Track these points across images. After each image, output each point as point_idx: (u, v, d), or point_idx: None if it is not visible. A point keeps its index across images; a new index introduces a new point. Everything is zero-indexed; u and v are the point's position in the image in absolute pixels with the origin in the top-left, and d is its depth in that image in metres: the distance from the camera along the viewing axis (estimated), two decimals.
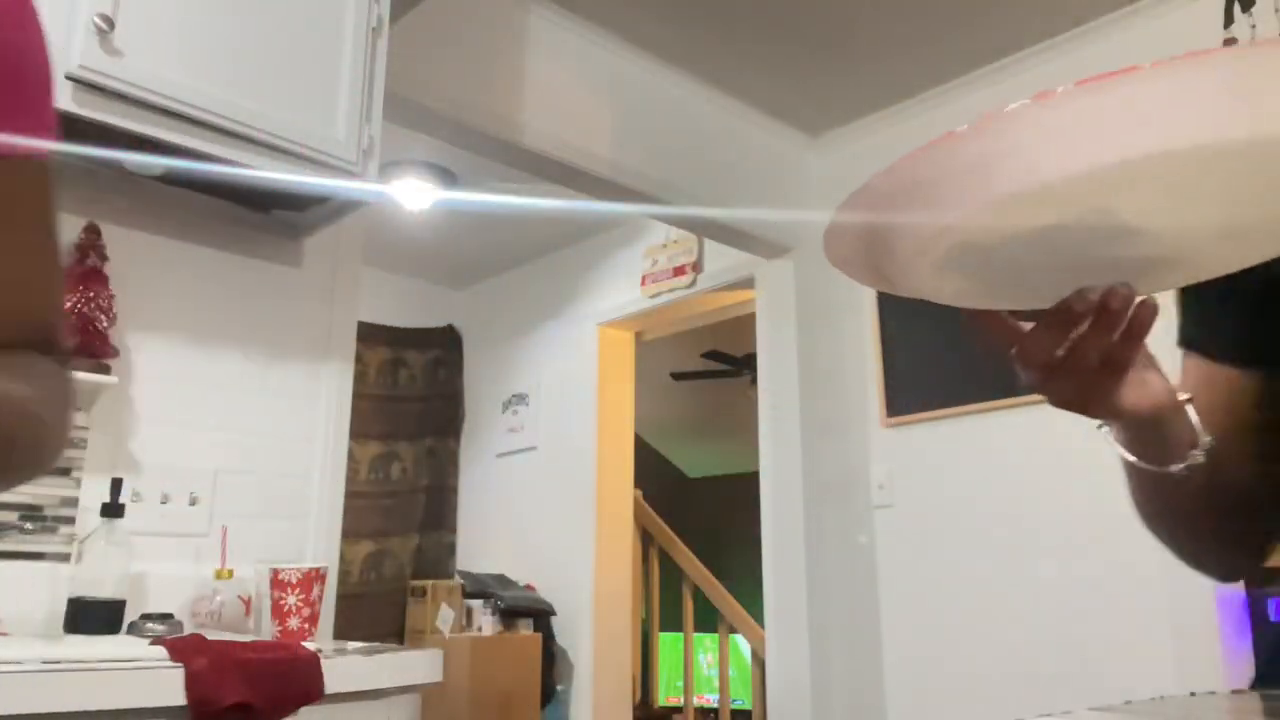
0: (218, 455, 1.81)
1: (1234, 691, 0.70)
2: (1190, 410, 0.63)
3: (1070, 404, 0.59)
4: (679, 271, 3.67)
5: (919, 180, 0.47)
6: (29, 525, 1.55)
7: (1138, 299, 0.54)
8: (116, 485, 1.57)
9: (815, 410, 3.05)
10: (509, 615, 3.82)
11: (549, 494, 4.11)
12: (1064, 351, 0.55)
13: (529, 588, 4.01)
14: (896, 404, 2.92)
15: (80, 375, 1.56)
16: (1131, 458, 0.64)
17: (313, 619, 1.60)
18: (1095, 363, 0.55)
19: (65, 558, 1.58)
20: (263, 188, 1.67)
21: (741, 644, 5.20)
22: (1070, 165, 0.43)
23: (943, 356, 2.82)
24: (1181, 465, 0.63)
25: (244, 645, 1.30)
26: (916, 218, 0.49)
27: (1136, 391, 0.59)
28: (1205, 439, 0.63)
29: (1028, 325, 0.57)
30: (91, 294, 1.60)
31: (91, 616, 1.48)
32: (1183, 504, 0.69)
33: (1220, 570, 0.81)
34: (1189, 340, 0.79)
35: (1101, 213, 0.47)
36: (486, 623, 3.75)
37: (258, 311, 1.91)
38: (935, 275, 0.54)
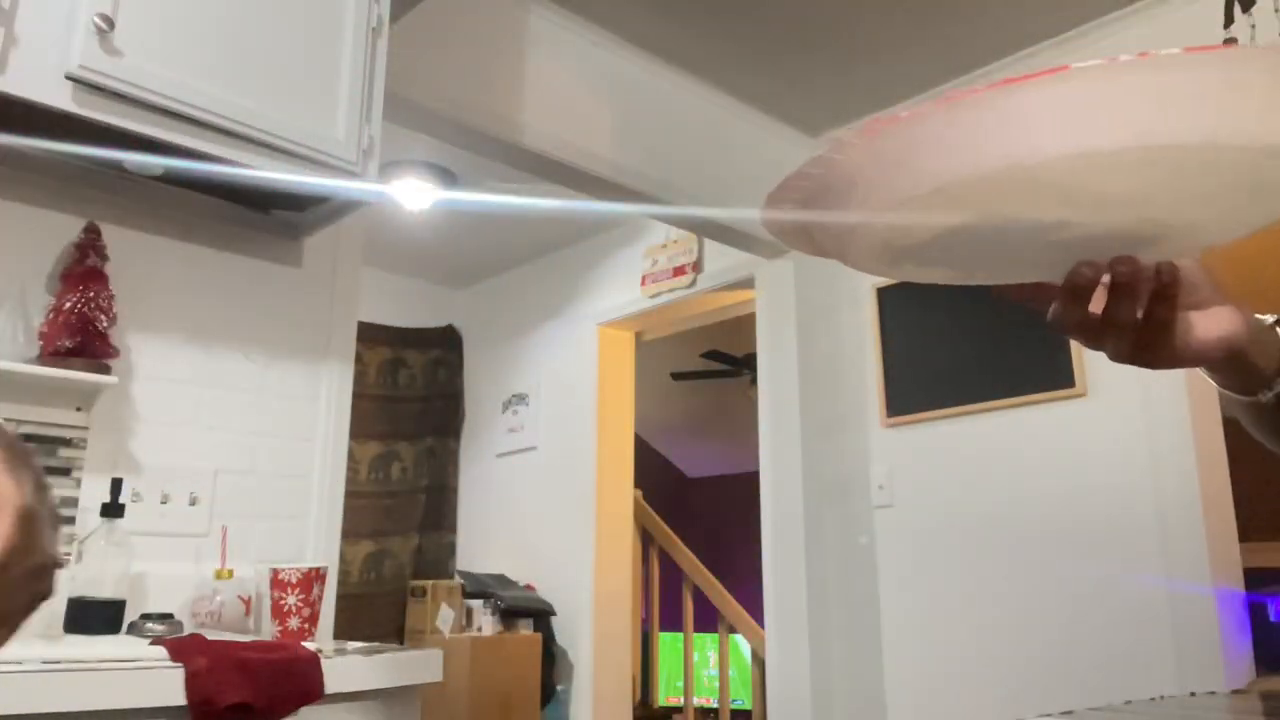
0: (218, 455, 1.81)
1: (1234, 691, 0.70)
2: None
3: (1128, 360, 0.56)
4: (679, 271, 3.67)
5: (846, 180, 0.46)
6: None
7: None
8: (116, 485, 1.57)
9: (815, 410, 3.05)
10: (509, 615, 3.82)
11: (549, 494, 4.11)
12: (1097, 320, 0.53)
13: (529, 588, 4.01)
14: (896, 404, 2.92)
15: (80, 375, 1.56)
16: (1223, 390, 0.61)
17: (313, 619, 1.60)
18: (1134, 323, 0.53)
19: (65, 558, 1.58)
20: (262, 188, 1.67)
21: (741, 644, 5.20)
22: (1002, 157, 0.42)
23: (943, 356, 2.82)
24: (1271, 393, 0.59)
25: (244, 645, 1.30)
26: (839, 217, 0.48)
27: (1199, 335, 0.55)
28: None
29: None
30: (91, 294, 1.60)
31: (91, 616, 1.48)
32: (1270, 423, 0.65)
33: None
34: None
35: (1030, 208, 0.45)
36: (486, 623, 3.75)
37: (258, 311, 1.91)
38: (879, 261, 0.53)
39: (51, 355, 1.55)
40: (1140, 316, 0.53)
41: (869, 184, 0.45)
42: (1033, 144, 0.41)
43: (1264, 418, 0.64)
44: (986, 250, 0.51)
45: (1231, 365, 0.58)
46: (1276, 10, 2.10)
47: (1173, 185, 0.44)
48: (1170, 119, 0.39)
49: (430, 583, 3.82)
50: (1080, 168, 0.42)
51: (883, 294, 2.99)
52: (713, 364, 5.80)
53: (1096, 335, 0.54)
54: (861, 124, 0.42)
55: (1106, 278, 0.51)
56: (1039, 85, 0.39)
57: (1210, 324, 0.55)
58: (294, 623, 1.58)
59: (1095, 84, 0.40)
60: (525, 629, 3.83)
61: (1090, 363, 2.49)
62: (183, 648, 1.24)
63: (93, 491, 1.62)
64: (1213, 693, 0.76)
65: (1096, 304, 0.53)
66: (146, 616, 1.54)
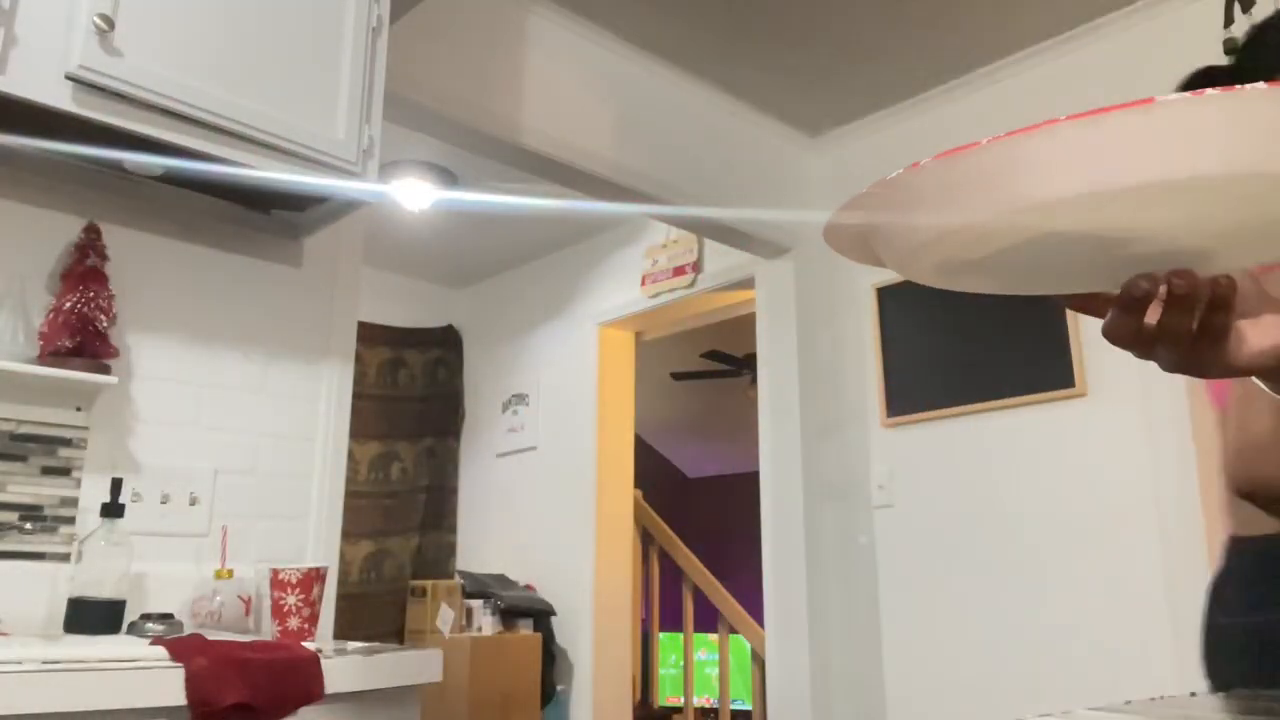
0: (218, 455, 1.81)
1: (1233, 691, 0.70)
2: None
3: (1180, 370, 0.57)
4: (679, 271, 3.67)
5: (929, 188, 0.47)
6: (29, 525, 1.55)
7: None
8: (116, 485, 1.57)
9: (815, 410, 3.05)
10: (509, 615, 3.82)
11: (549, 494, 4.11)
12: (1151, 331, 0.53)
13: (529, 588, 4.01)
14: (896, 404, 2.92)
15: (80, 375, 1.56)
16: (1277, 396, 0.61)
17: (313, 619, 1.60)
18: (1189, 334, 0.53)
19: (65, 558, 1.58)
20: (263, 188, 1.67)
21: (741, 644, 5.20)
22: (1085, 184, 0.43)
23: (943, 356, 2.82)
24: None
25: (244, 645, 1.30)
26: (916, 221, 0.49)
27: (1251, 345, 0.56)
28: None
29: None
30: (91, 294, 1.60)
31: (91, 616, 1.48)
32: None
33: None
34: None
35: (1109, 228, 0.47)
36: (486, 623, 3.75)
37: (258, 311, 1.91)
38: (938, 274, 0.54)
39: (51, 355, 1.55)
40: (1195, 328, 0.53)
41: (939, 205, 0.47)
42: (1107, 175, 0.42)
43: None
44: (1046, 264, 0.51)
45: None
46: (1277, 11, 2.10)
47: (1230, 212, 0.45)
48: (1236, 151, 0.41)
49: (430, 583, 3.82)
50: (1148, 198, 0.43)
51: (883, 294, 2.99)
52: (713, 364, 5.80)
53: (1150, 345, 0.54)
54: (937, 152, 0.43)
55: (1162, 289, 0.52)
56: (1124, 115, 0.41)
57: (1261, 333, 0.55)
58: (294, 623, 1.58)
59: (1175, 114, 0.41)
60: (525, 629, 3.83)
61: (1090, 363, 2.50)
62: (182, 648, 1.23)
63: (93, 491, 1.62)
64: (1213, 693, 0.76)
65: (1151, 314, 0.53)
66: (146, 616, 1.54)
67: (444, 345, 4.72)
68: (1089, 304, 0.56)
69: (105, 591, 1.50)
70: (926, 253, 0.50)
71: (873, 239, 0.52)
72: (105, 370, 1.60)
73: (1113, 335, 0.54)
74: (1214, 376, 0.57)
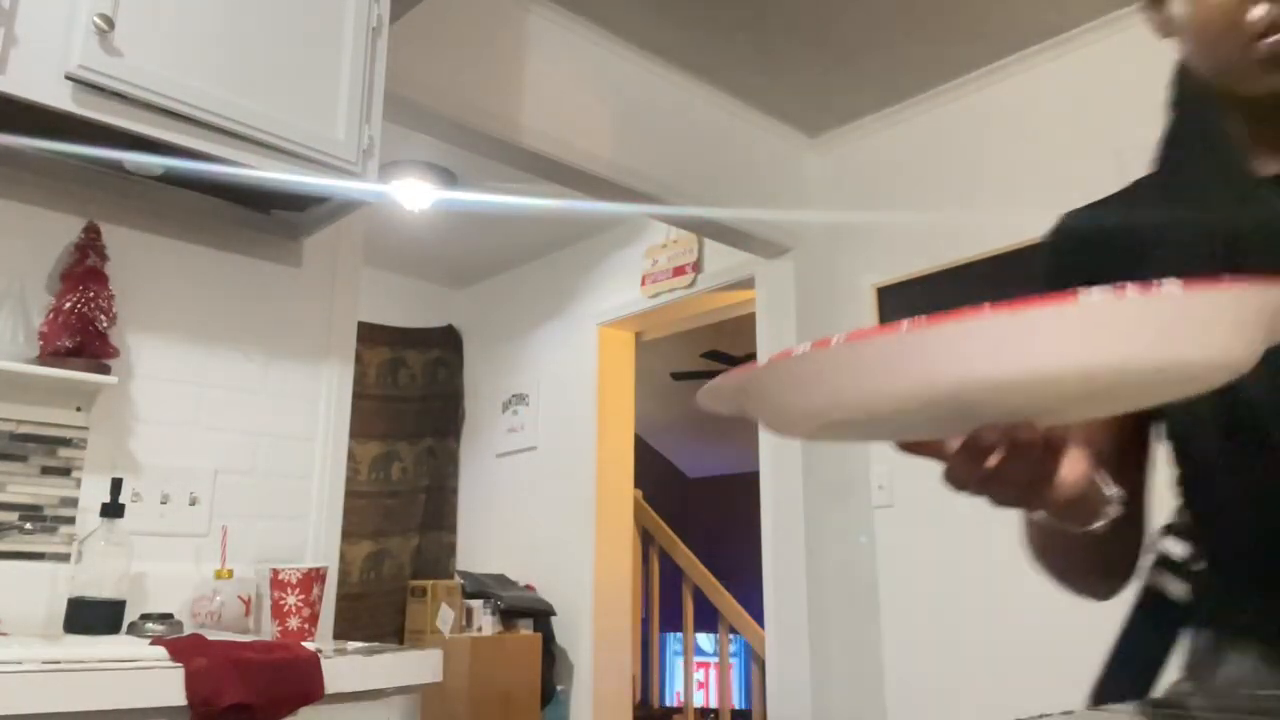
0: (218, 455, 1.81)
1: (1233, 691, 0.70)
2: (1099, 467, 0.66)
3: (1011, 506, 0.61)
4: (679, 271, 3.67)
5: (799, 376, 0.49)
6: (29, 525, 1.55)
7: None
8: (116, 485, 1.57)
9: None
10: (509, 615, 3.82)
11: (549, 494, 4.11)
12: (988, 474, 0.57)
13: (529, 588, 4.01)
14: None
15: (80, 375, 1.56)
16: (1058, 524, 0.66)
17: (313, 619, 1.60)
18: (1023, 479, 0.57)
19: (65, 558, 1.58)
20: (263, 188, 1.67)
21: (741, 644, 5.20)
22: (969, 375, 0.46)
23: None
24: (1102, 522, 0.65)
25: (244, 645, 1.30)
26: (786, 402, 0.51)
27: (1067, 482, 0.60)
28: (1116, 492, 0.66)
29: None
30: (91, 294, 1.60)
31: (91, 616, 1.48)
32: (1080, 548, 0.71)
33: (1102, 595, 0.84)
34: None
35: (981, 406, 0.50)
36: (486, 623, 3.75)
37: (258, 311, 1.91)
38: (800, 434, 0.56)
39: (51, 355, 1.55)
40: (1029, 472, 0.57)
41: (802, 393, 0.50)
42: (994, 369, 0.45)
43: (1093, 551, 0.71)
44: (904, 425, 0.55)
45: (1079, 500, 0.63)
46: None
47: (1093, 393, 0.49)
48: (1096, 350, 0.45)
49: (430, 583, 3.82)
50: (1028, 387, 0.47)
51: (883, 294, 2.99)
52: (713, 364, 5.81)
53: (985, 486, 0.58)
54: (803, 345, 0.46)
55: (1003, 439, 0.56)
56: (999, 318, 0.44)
57: (1073, 467, 0.60)
58: (294, 623, 1.58)
59: (1046, 316, 0.44)
60: (525, 629, 3.83)
61: None
62: (182, 648, 1.23)
63: (93, 491, 1.62)
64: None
65: (990, 460, 0.57)
66: (146, 616, 1.54)
67: (444, 345, 4.72)
68: (919, 448, 0.59)
69: (105, 591, 1.50)
70: (806, 420, 0.53)
71: (748, 404, 0.54)
72: (105, 370, 1.60)
73: (955, 479, 0.58)
74: (1037, 509, 0.62)
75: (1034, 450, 0.55)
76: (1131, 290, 0.42)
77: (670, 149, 2.83)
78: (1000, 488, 0.58)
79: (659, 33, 2.70)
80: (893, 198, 3.05)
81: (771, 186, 3.15)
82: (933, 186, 2.94)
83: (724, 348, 5.63)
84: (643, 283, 3.84)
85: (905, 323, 0.44)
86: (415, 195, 3.52)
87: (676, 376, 6.04)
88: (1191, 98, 0.78)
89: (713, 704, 5.10)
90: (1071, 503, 0.61)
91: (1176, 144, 0.79)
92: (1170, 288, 0.42)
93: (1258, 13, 0.66)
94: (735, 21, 2.63)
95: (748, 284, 3.36)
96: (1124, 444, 0.78)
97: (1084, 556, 0.77)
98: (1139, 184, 0.83)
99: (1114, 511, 0.65)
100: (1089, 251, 0.82)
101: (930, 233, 2.89)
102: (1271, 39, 0.66)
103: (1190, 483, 0.77)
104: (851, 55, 2.78)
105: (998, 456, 0.55)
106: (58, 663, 1.12)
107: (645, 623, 4.84)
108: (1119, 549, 0.77)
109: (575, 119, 2.57)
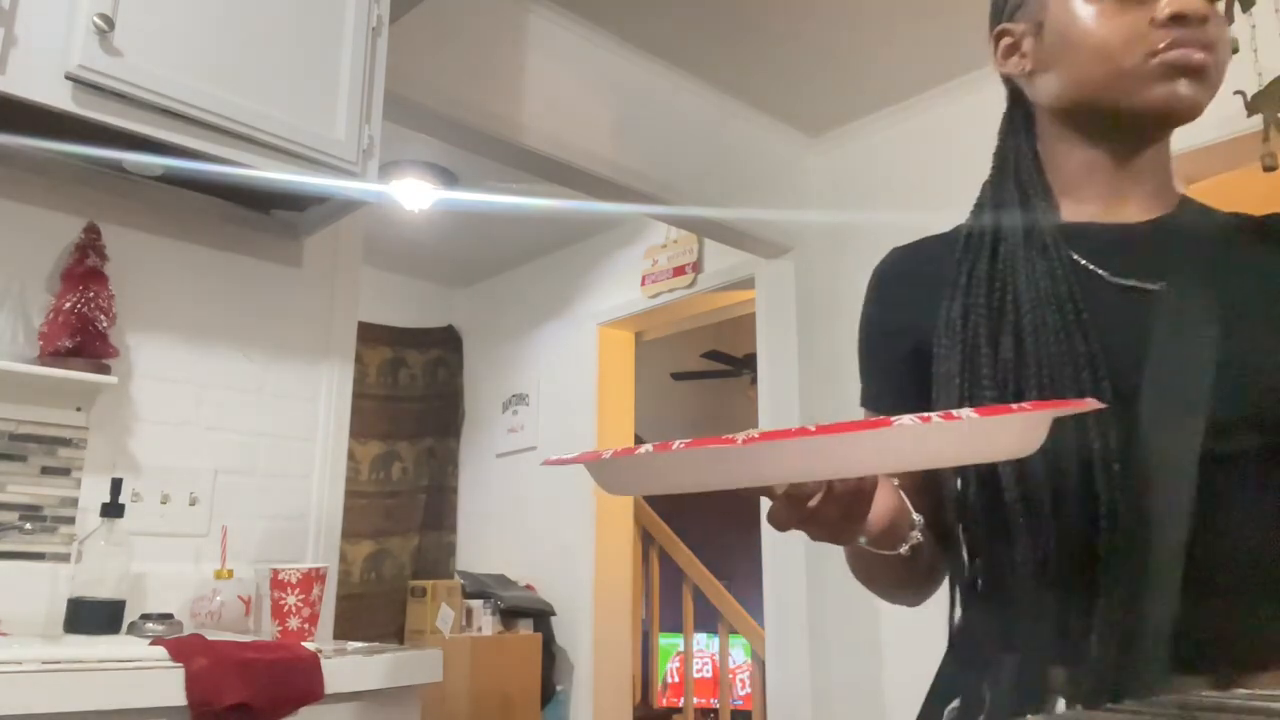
0: (218, 455, 1.81)
1: (1233, 691, 0.70)
2: (903, 496, 0.74)
3: (824, 541, 0.68)
4: (679, 271, 3.67)
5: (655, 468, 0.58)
6: (29, 525, 1.55)
7: None
8: (116, 485, 1.57)
9: (815, 410, 3.05)
10: (509, 615, 3.82)
11: (549, 494, 4.11)
12: (807, 515, 0.64)
13: (529, 588, 4.01)
14: None
15: (80, 375, 1.56)
16: (872, 549, 0.73)
17: (313, 619, 1.60)
18: (836, 518, 0.64)
19: (65, 558, 1.58)
20: (262, 188, 1.67)
21: (741, 644, 5.20)
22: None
23: None
24: (907, 546, 0.73)
25: (244, 645, 1.30)
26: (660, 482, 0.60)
27: (875, 517, 0.68)
28: (918, 518, 0.74)
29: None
30: (91, 294, 1.60)
31: (91, 616, 1.48)
32: (890, 566, 0.81)
33: (913, 604, 1.00)
34: (872, 403, 0.93)
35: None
36: (486, 623, 3.75)
37: (258, 311, 1.91)
38: (637, 494, 0.65)
39: (51, 355, 1.55)
40: (842, 513, 0.64)
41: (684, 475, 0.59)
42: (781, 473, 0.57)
43: (901, 568, 0.81)
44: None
45: (887, 528, 0.71)
46: (1277, 10, 2.10)
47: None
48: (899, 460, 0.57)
49: (430, 583, 3.82)
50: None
51: None
52: (713, 364, 5.81)
53: (804, 525, 0.65)
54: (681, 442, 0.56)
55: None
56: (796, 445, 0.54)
57: (881, 501, 0.68)
58: (294, 623, 1.58)
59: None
60: (525, 629, 3.83)
61: None
62: (182, 648, 1.23)
63: (93, 491, 1.61)
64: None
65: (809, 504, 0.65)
66: (146, 616, 1.54)
67: (444, 345, 4.72)
68: (757, 493, 0.66)
69: (105, 591, 1.50)
70: (638, 491, 0.63)
71: (591, 471, 0.62)
72: (105, 370, 1.60)
73: (777, 521, 0.65)
74: (849, 542, 0.69)
75: (848, 496, 0.63)
76: (936, 417, 0.52)
77: (670, 149, 2.83)
78: (817, 527, 0.65)
79: (659, 33, 2.69)
80: (893, 198, 3.04)
81: (771, 186, 3.15)
82: (933, 186, 2.94)
83: (724, 347, 5.63)
84: (643, 283, 3.84)
85: (740, 435, 0.53)
86: (415, 195, 3.52)
87: (677, 376, 6.04)
88: (1012, 146, 0.95)
89: (713, 704, 5.09)
90: (882, 533, 0.70)
91: (996, 187, 0.93)
92: (967, 413, 0.52)
93: (1162, 31, 0.75)
94: (735, 22, 2.63)
95: (748, 284, 3.36)
96: (921, 475, 0.86)
97: (894, 574, 0.87)
98: (959, 227, 0.95)
99: (917, 536, 0.74)
100: (903, 296, 0.98)
101: (930, 233, 2.89)
102: (1171, 53, 0.74)
103: (971, 523, 0.86)
104: (851, 55, 2.78)
105: (815, 501, 0.63)
106: (58, 663, 1.12)
107: (645, 623, 4.84)
108: (924, 564, 0.86)
109: (575, 119, 2.57)
